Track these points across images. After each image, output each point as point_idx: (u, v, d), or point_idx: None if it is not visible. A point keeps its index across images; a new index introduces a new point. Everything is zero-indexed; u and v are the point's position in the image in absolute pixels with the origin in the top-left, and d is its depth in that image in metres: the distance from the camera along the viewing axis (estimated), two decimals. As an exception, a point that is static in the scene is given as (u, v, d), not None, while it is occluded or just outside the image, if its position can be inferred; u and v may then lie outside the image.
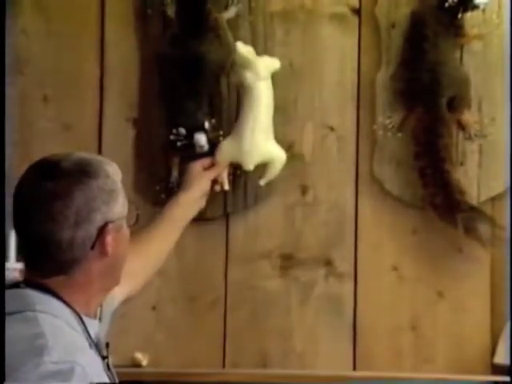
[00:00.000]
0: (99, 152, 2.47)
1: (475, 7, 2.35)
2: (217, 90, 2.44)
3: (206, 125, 2.36)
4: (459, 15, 2.35)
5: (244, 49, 2.27)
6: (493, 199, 2.43)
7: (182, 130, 2.35)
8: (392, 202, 2.46)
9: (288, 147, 2.46)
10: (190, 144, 2.35)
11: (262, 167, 2.33)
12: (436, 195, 2.37)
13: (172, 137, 2.36)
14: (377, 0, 2.44)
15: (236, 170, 2.41)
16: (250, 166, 2.27)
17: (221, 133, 2.42)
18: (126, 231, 1.65)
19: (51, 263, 1.56)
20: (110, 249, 1.58)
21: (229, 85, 2.45)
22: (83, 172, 1.56)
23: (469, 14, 2.37)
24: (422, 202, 2.41)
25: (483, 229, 2.35)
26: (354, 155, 2.48)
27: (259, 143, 2.24)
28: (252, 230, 2.48)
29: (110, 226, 1.57)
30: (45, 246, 1.55)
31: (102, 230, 1.56)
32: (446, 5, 2.34)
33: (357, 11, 2.47)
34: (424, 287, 2.46)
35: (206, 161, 2.27)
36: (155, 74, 2.44)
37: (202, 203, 2.24)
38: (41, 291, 1.56)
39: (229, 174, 2.33)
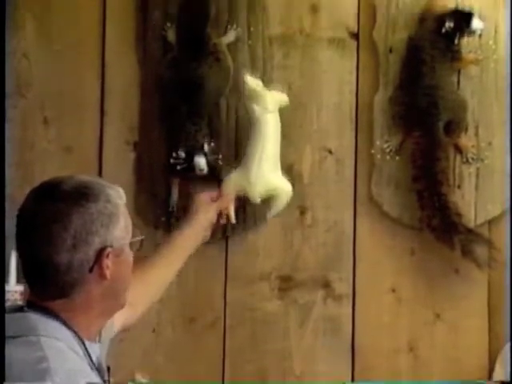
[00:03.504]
0: (100, 174, 2.48)
1: (472, 33, 2.38)
2: (216, 113, 2.46)
3: (206, 148, 2.38)
4: (456, 40, 2.38)
5: (253, 82, 2.26)
6: (489, 222, 2.45)
7: (182, 153, 2.37)
8: (390, 224, 2.48)
9: (287, 169, 2.47)
10: (190, 167, 2.37)
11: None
12: (433, 217, 2.39)
13: (172, 160, 2.39)
14: (375, 24, 2.47)
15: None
16: (256, 198, 2.25)
17: (220, 156, 2.45)
18: (128, 256, 1.64)
19: (51, 286, 1.57)
20: (108, 272, 1.57)
21: (228, 108, 2.47)
22: (82, 195, 1.56)
23: (465, 39, 2.41)
24: (419, 223, 2.43)
25: (480, 251, 2.37)
26: (353, 177, 2.50)
27: (266, 175, 2.23)
28: (251, 252, 2.50)
29: (110, 249, 1.57)
30: (44, 268, 1.55)
31: (100, 254, 1.56)
32: (443, 30, 2.37)
33: (355, 35, 2.50)
34: (422, 308, 2.48)
35: (213, 192, 2.22)
36: (155, 97, 2.47)
37: (207, 234, 2.20)
38: (44, 314, 1.56)
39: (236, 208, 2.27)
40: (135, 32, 2.51)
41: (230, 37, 2.47)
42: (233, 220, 2.21)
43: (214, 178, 2.41)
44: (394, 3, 2.46)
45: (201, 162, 2.36)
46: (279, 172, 2.25)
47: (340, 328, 2.48)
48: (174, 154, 2.38)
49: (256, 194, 2.23)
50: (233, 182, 2.23)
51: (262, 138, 2.22)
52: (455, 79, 2.45)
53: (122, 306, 1.69)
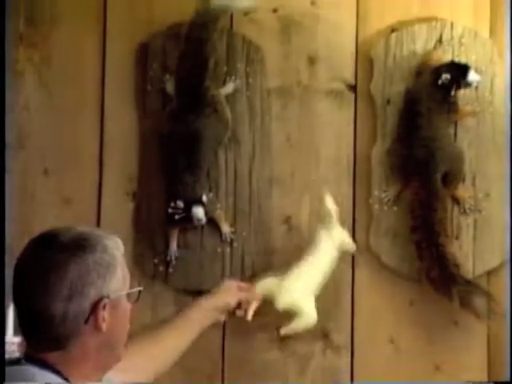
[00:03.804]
0: (98, 225, 2.49)
1: (468, 85, 2.41)
2: (215, 164, 2.48)
3: (204, 198, 2.39)
4: (452, 92, 2.41)
5: (330, 204, 2.29)
6: (488, 273, 2.45)
7: (180, 203, 2.37)
8: (388, 275, 2.48)
9: (285, 219, 2.49)
10: (188, 217, 2.37)
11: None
12: (432, 268, 2.39)
13: (170, 210, 2.39)
14: (372, 77, 2.50)
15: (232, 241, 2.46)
16: (279, 305, 2.23)
17: (218, 206, 2.46)
18: (125, 307, 1.63)
19: (46, 337, 1.56)
20: (104, 325, 1.56)
21: (226, 159, 2.49)
22: (79, 246, 1.56)
23: (462, 92, 2.43)
24: (418, 274, 2.43)
25: (479, 302, 2.36)
26: (351, 228, 2.49)
27: (298, 293, 2.23)
28: (250, 302, 2.49)
29: (106, 301, 1.56)
30: (39, 318, 1.55)
31: (96, 305, 1.55)
32: (440, 82, 2.39)
33: (352, 87, 2.53)
34: (421, 360, 2.47)
35: (243, 283, 2.23)
36: (154, 148, 2.48)
37: (221, 318, 2.16)
38: (41, 367, 1.56)
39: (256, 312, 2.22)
40: (134, 83, 2.53)
41: (229, 88, 2.49)
42: (249, 317, 2.18)
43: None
44: (391, 56, 2.49)
45: (199, 212, 2.37)
46: (313, 299, 2.24)
47: (339, 379, 2.46)
48: (172, 204, 2.38)
49: (281, 303, 2.22)
50: (266, 284, 2.23)
51: (314, 261, 2.26)
52: (452, 131, 2.47)
53: (118, 359, 1.66)
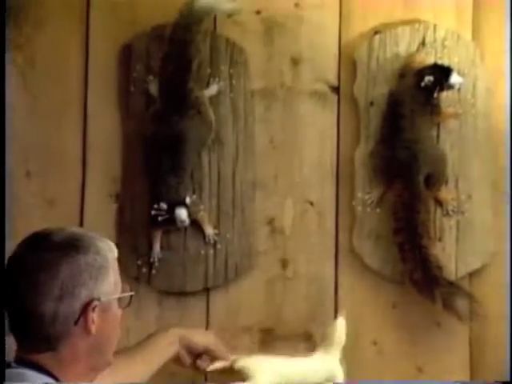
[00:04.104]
0: (81, 226, 2.47)
1: (451, 87, 2.41)
2: (198, 165, 2.47)
3: (187, 200, 2.38)
4: (435, 94, 2.41)
5: (342, 332, 2.26)
6: (470, 275, 2.46)
7: (164, 205, 2.37)
8: (372, 277, 2.48)
9: (268, 222, 2.49)
10: (172, 219, 2.37)
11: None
12: (415, 270, 2.39)
13: (153, 211, 2.39)
14: (355, 79, 2.50)
15: (216, 242, 2.46)
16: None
17: (202, 207, 2.46)
18: (115, 312, 1.63)
19: (37, 338, 1.56)
20: (94, 327, 1.56)
21: (210, 160, 2.49)
22: (72, 246, 1.56)
23: (444, 94, 2.44)
24: (401, 276, 2.43)
25: (461, 304, 2.36)
26: (334, 230, 2.50)
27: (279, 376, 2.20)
28: (232, 305, 2.49)
29: (97, 303, 1.56)
30: (29, 318, 1.54)
31: (86, 307, 1.55)
32: (422, 84, 2.40)
33: (336, 89, 2.53)
34: (404, 362, 2.47)
35: (223, 346, 2.22)
36: (138, 150, 2.48)
37: (184, 357, 2.15)
38: (33, 369, 1.55)
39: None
40: (118, 85, 2.52)
41: (212, 90, 2.49)
42: (207, 368, 2.19)
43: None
44: (374, 58, 2.49)
45: (182, 214, 2.36)
46: None
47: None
48: (155, 206, 2.38)
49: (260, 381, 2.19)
50: (247, 361, 2.20)
51: (302, 364, 2.24)
52: (435, 133, 2.47)
53: (108, 364, 1.67)
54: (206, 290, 2.48)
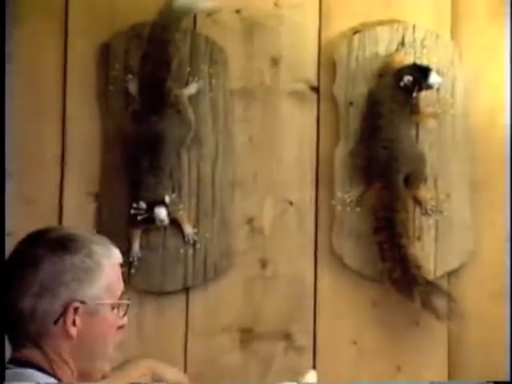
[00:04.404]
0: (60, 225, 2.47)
1: (429, 87, 2.42)
2: (177, 164, 2.47)
3: (167, 199, 2.38)
4: (414, 94, 2.42)
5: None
6: (449, 274, 2.47)
7: (143, 204, 2.37)
8: (351, 276, 2.49)
9: (248, 221, 2.49)
10: (151, 218, 2.37)
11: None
12: (394, 269, 2.39)
13: (133, 210, 2.38)
14: (335, 78, 2.50)
15: (195, 242, 2.46)
16: None
17: (181, 206, 2.46)
18: (105, 318, 1.57)
19: (20, 333, 1.54)
20: (74, 329, 1.53)
21: (189, 159, 2.48)
22: (61, 245, 1.54)
23: (423, 93, 2.44)
24: (380, 275, 2.43)
25: (439, 303, 2.37)
26: (313, 229, 2.51)
27: None
28: (212, 304, 2.49)
29: (78, 305, 1.53)
30: (9, 313, 1.53)
31: (66, 307, 1.52)
32: (402, 84, 2.40)
33: (315, 89, 2.53)
34: (383, 360, 2.47)
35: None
36: (116, 149, 2.47)
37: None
38: (28, 368, 1.53)
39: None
40: (96, 84, 2.52)
41: (192, 89, 2.49)
42: None
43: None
44: (354, 58, 2.50)
45: (161, 213, 2.36)
46: None
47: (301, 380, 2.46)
48: (134, 205, 2.38)
49: None
50: None
51: None
52: (414, 132, 2.48)
53: (100, 372, 1.61)
54: (186, 290, 2.48)
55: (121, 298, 1.61)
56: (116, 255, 1.62)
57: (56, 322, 1.53)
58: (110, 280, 1.58)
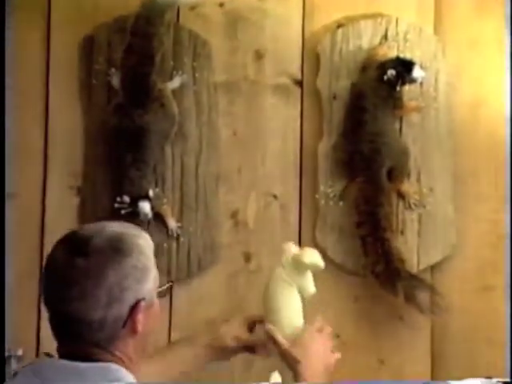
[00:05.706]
0: (43, 219, 2.47)
1: (413, 81, 2.42)
2: (161, 158, 2.46)
3: (151, 193, 2.38)
4: (398, 88, 2.42)
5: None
6: (432, 267, 2.48)
7: (126, 198, 2.36)
8: (334, 270, 2.49)
9: (232, 214, 2.49)
10: (135, 212, 2.37)
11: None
12: (377, 263, 2.40)
13: (116, 205, 2.38)
14: (318, 72, 2.50)
15: (179, 236, 2.45)
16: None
17: (165, 201, 2.45)
18: (157, 304, 1.59)
19: (85, 342, 1.52)
20: (140, 327, 1.53)
21: (173, 154, 2.48)
22: (116, 250, 1.52)
23: (407, 87, 2.45)
24: (363, 269, 2.44)
25: (422, 296, 2.37)
26: (297, 223, 2.51)
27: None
28: (195, 298, 2.48)
29: (142, 303, 1.52)
30: (77, 325, 1.50)
31: (133, 309, 1.52)
32: (385, 78, 2.41)
33: (299, 83, 2.53)
34: (366, 354, 2.48)
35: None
36: (100, 143, 2.47)
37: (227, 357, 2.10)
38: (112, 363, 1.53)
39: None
40: (79, 77, 2.51)
41: (176, 83, 2.48)
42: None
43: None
44: (337, 51, 2.50)
45: (145, 207, 2.36)
46: None
47: (285, 373, 2.46)
48: (118, 199, 2.37)
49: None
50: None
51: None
52: (397, 126, 2.49)
53: (146, 355, 1.66)
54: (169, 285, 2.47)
55: None
56: (150, 241, 1.60)
57: (124, 325, 1.52)
58: (155, 268, 1.58)
